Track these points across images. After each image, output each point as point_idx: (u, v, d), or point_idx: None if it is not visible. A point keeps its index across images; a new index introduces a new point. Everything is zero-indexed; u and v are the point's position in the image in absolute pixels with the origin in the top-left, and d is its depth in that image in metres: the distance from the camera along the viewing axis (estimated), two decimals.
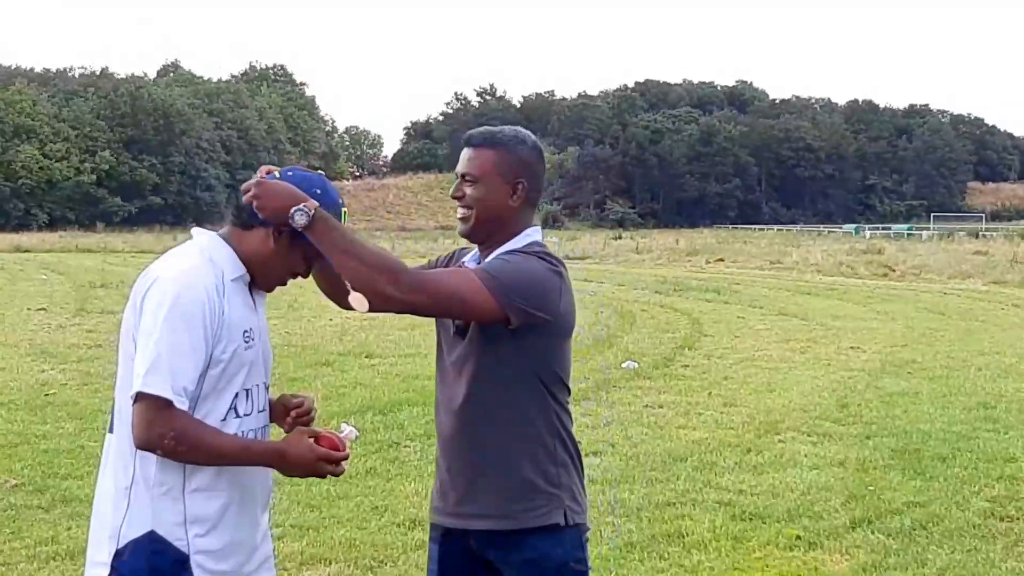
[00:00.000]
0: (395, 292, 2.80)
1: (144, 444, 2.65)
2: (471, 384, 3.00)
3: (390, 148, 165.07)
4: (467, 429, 3.03)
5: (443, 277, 2.94)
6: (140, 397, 2.62)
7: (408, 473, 7.90)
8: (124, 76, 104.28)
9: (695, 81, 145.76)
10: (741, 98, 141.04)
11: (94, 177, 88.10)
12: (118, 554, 2.70)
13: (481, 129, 3.16)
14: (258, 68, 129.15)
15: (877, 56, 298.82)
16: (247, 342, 2.80)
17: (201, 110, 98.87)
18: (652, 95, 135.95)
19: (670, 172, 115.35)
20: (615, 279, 30.88)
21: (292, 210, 2.73)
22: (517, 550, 3.00)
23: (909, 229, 79.83)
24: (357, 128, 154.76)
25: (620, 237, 65.18)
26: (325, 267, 2.91)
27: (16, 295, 24.29)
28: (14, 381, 11.98)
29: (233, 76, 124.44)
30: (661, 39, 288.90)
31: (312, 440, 2.81)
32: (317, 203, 2.76)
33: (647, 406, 10.66)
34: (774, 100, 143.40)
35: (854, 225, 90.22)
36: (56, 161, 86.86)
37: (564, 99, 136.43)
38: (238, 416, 2.79)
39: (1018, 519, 6.92)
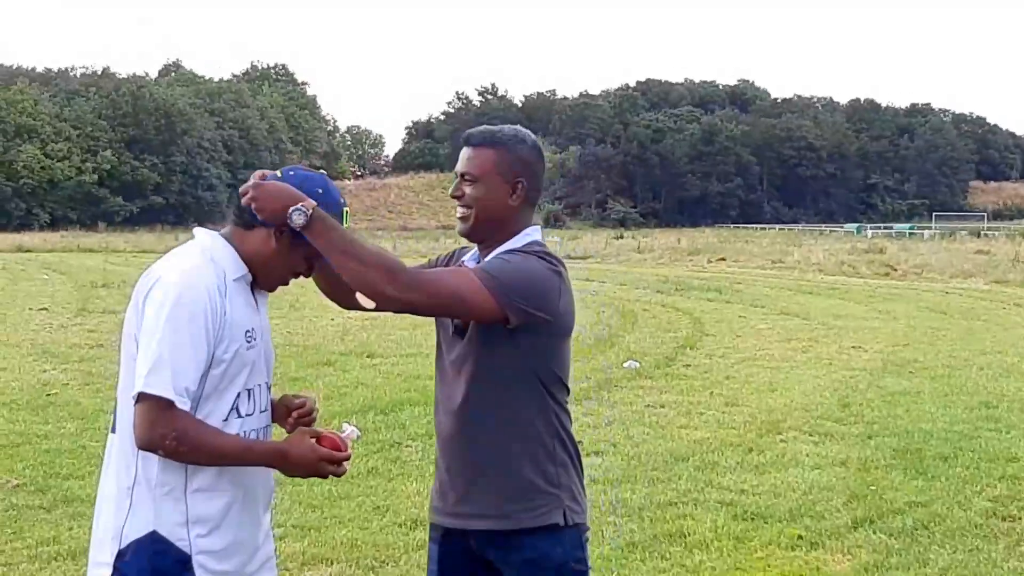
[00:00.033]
0: (393, 291, 2.80)
1: (146, 444, 2.65)
2: (470, 384, 3.00)
3: (392, 148, 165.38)
4: (466, 429, 3.03)
5: (442, 276, 2.94)
6: (142, 397, 2.62)
7: (410, 473, 7.89)
8: (126, 76, 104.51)
9: (697, 80, 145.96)
10: (743, 97, 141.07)
11: (96, 177, 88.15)
12: (120, 554, 2.70)
13: (480, 128, 3.15)
14: (260, 68, 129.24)
15: (879, 55, 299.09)
16: (249, 342, 2.80)
17: (203, 110, 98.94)
18: (654, 94, 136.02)
19: (672, 171, 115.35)
20: (617, 278, 30.88)
21: (290, 210, 2.73)
22: (516, 550, 2.99)
23: (911, 228, 79.79)
24: (359, 128, 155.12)
25: (622, 236, 65.21)
26: (324, 267, 2.91)
27: (18, 295, 24.30)
28: (16, 381, 11.98)
29: (235, 76, 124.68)
30: (663, 38, 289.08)
31: (314, 440, 2.81)
32: (315, 203, 2.76)
33: (649, 406, 10.66)
34: (776, 99, 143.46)
35: (856, 224, 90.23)
36: (58, 161, 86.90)
37: (566, 98, 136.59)
38: (240, 416, 2.79)
39: (1020, 519, 6.91)
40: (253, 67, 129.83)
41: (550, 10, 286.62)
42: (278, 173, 2.90)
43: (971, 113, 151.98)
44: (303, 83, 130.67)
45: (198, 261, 2.79)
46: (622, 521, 6.70)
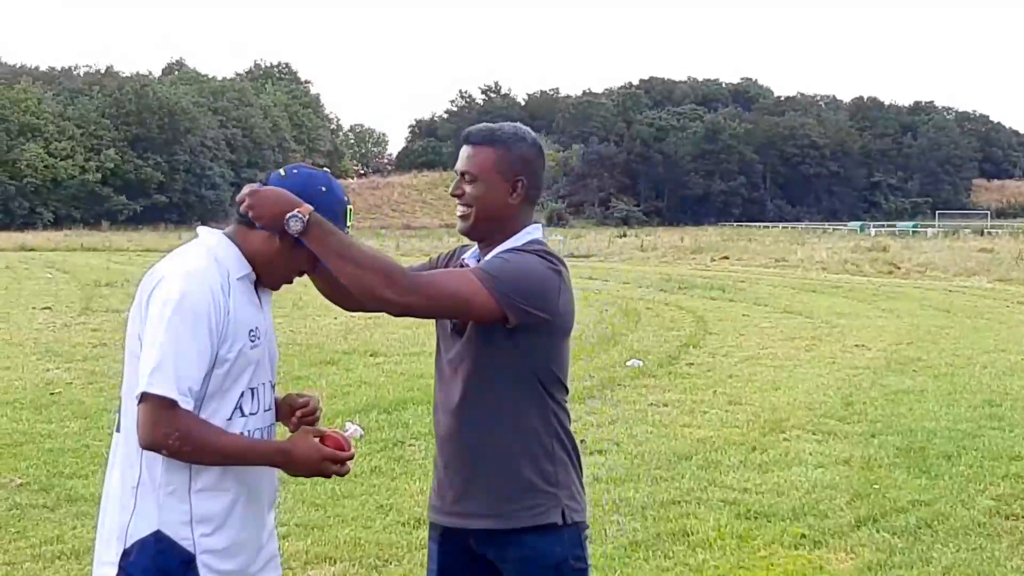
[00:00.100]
0: (392, 295, 2.80)
1: (149, 444, 2.65)
2: (467, 383, 3.00)
3: (395, 146, 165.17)
4: (464, 428, 3.02)
5: (441, 278, 2.94)
6: (145, 397, 2.62)
7: (413, 472, 7.89)
8: (129, 74, 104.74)
9: (700, 78, 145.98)
10: (746, 95, 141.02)
11: (99, 175, 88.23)
12: (125, 554, 2.70)
13: (480, 126, 3.14)
14: (263, 66, 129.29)
15: (882, 53, 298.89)
16: (253, 341, 2.80)
17: (206, 108, 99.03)
18: (657, 92, 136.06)
19: (675, 170, 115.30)
20: (620, 277, 30.87)
21: (287, 217, 2.73)
22: (515, 548, 2.99)
23: (914, 226, 79.70)
24: (362, 126, 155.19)
25: (625, 235, 65.23)
26: (322, 269, 2.91)
27: (21, 294, 24.32)
28: (19, 380, 11.99)
29: (238, 74, 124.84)
30: (666, 36, 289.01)
31: (318, 440, 2.82)
32: (312, 208, 2.76)
33: (652, 404, 10.66)
34: (779, 97, 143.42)
35: (859, 222, 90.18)
36: (61, 160, 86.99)
37: (569, 97, 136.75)
38: (244, 415, 2.79)
39: (1023, 517, 6.91)
40: (256, 66, 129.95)
41: (553, 8, 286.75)
42: (281, 172, 2.91)
43: (974, 111, 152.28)
44: (306, 82, 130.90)
45: (202, 260, 2.79)
46: (625, 520, 6.69)
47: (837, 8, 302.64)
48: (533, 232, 3.10)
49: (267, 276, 2.89)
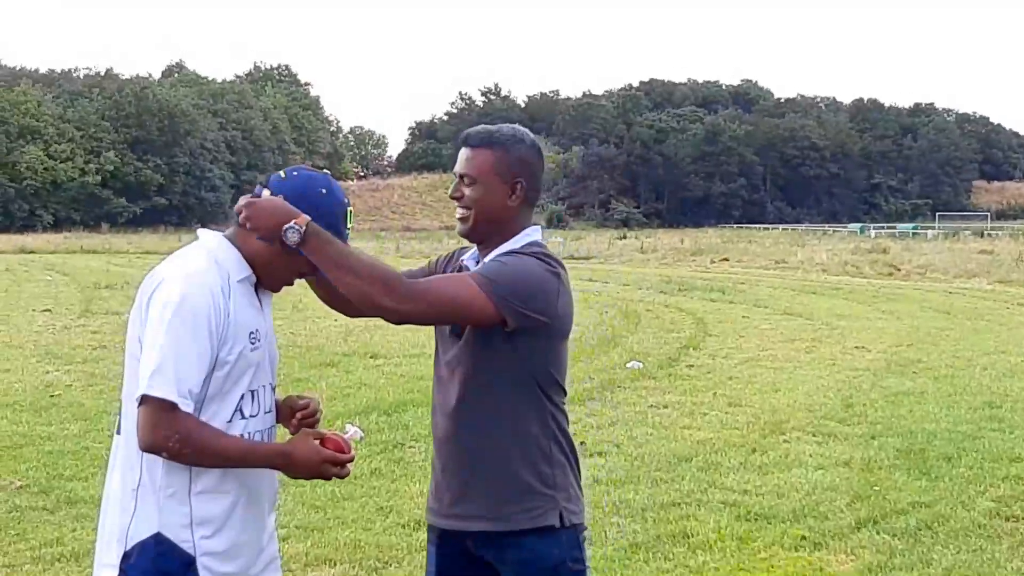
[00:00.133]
0: (391, 303, 2.81)
1: (149, 447, 2.65)
2: (465, 385, 3.00)
3: (395, 148, 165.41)
4: (462, 430, 3.03)
5: (438, 284, 2.94)
6: (145, 400, 2.62)
7: (413, 474, 7.89)
8: (129, 77, 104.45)
9: (700, 80, 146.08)
10: (746, 97, 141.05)
11: (99, 178, 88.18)
12: (126, 556, 2.70)
13: (478, 128, 3.14)
14: (263, 68, 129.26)
15: (882, 55, 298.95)
16: (253, 343, 2.80)
17: (206, 110, 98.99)
18: (657, 94, 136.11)
19: (675, 171, 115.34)
20: (620, 279, 30.88)
21: (284, 228, 2.74)
22: (513, 550, 2.99)
23: (914, 228, 79.70)
24: (362, 128, 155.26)
25: (625, 237, 65.20)
26: (322, 277, 2.91)
27: (21, 296, 24.32)
28: (19, 382, 11.99)
29: (237, 76, 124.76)
30: (666, 38, 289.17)
31: (318, 442, 2.82)
32: (308, 218, 2.76)
33: (652, 406, 10.65)
34: (779, 99, 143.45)
35: (859, 224, 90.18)
36: (61, 162, 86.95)
37: (569, 99, 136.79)
38: (244, 417, 2.79)
39: (1023, 519, 6.91)
40: (256, 68, 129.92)
41: (553, 10, 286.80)
42: (282, 174, 2.91)
43: (975, 113, 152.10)
44: (306, 84, 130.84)
45: (202, 263, 2.79)
46: (625, 522, 6.69)
47: (837, 10, 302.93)
48: (532, 234, 3.09)
49: (267, 278, 2.89)
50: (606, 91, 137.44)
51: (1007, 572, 5.98)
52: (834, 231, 79.16)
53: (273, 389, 2.95)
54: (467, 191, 3.06)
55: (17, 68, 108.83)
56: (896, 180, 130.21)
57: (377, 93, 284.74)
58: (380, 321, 2.93)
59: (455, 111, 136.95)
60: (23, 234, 70.19)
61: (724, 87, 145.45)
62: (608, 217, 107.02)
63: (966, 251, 42.37)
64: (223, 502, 2.75)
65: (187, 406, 2.64)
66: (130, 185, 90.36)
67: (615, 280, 30.28)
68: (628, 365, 13.24)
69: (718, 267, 38.97)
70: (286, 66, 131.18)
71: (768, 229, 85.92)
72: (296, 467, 2.79)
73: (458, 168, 3.09)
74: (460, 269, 3.17)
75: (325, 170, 3.03)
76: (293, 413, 3.01)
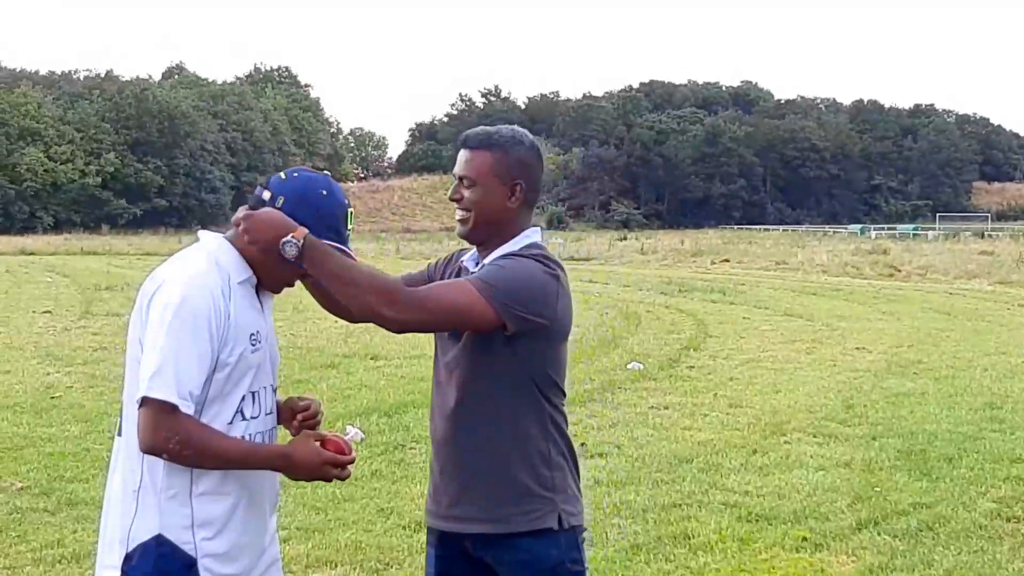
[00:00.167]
0: (392, 313, 2.82)
1: (149, 448, 2.65)
2: (464, 387, 3.00)
3: (395, 150, 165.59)
4: (459, 432, 3.03)
5: (438, 291, 2.94)
6: (145, 402, 2.62)
7: (414, 475, 7.88)
8: (129, 78, 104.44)
9: (700, 81, 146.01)
10: (746, 98, 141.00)
11: (99, 179, 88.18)
12: (128, 558, 2.70)
13: (477, 130, 3.14)
14: (263, 70, 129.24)
15: (882, 56, 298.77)
16: (254, 345, 2.80)
17: (206, 112, 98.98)
18: (657, 96, 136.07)
19: (675, 173, 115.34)
20: (620, 280, 30.86)
21: (281, 243, 2.75)
22: (511, 551, 2.99)
23: (914, 229, 79.72)
24: (362, 130, 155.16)
25: (625, 238, 65.20)
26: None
27: (21, 298, 24.32)
28: (20, 384, 11.99)
29: (238, 78, 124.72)
30: (666, 39, 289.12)
31: (318, 444, 2.82)
32: (306, 231, 2.77)
33: (652, 407, 10.65)
34: (779, 100, 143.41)
35: (859, 225, 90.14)
36: (61, 163, 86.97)
37: (569, 100, 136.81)
38: (245, 419, 2.79)
39: None
40: (256, 69, 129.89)
41: (553, 11, 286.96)
42: (282, 175, 2.91)
43: (975, 114, 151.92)
44: (306, 85, 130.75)
45: (202, 264, 2.79)
46: (626, 523, 6.68)
47: (837, 11, 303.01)
48: (532, 235, 3.10)
49: (268, 280, 2.89)
50: (606, 92, 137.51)
51: (1008, 573, 5.97)
52: (834, 232, 79.16)
53: (274, 391, 2.95)
54: (466, 193, 3.06)
55: (17, 70, 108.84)
56: (896, 181, 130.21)
57: (377, 95, 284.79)
58: None
59: (455, 112, 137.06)
60: (23, 236, 70.22)
61: (724, 88, 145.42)
62: (608, 218, 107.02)
63: (966, 252, 42.38)
64: (224, 504, 2.75)
65: (187, 408, 2.64)
66: (130, 187, 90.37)
67: (615, 281, 30.27)
68: (629, 366, 13.24)
69: (718, 268, 38.97)
70: (286, 68, 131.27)
71: (768, 230, 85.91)
72: (297, 469, 2.79)
73: (457, 170, 3.09)
74: (460, 270, 3.18)
75: (325, 171, 3.04)
76: (294, 415, 3.01)
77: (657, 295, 25.39)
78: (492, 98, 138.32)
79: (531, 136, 3.16)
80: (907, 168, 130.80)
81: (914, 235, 70.23)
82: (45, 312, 20.61)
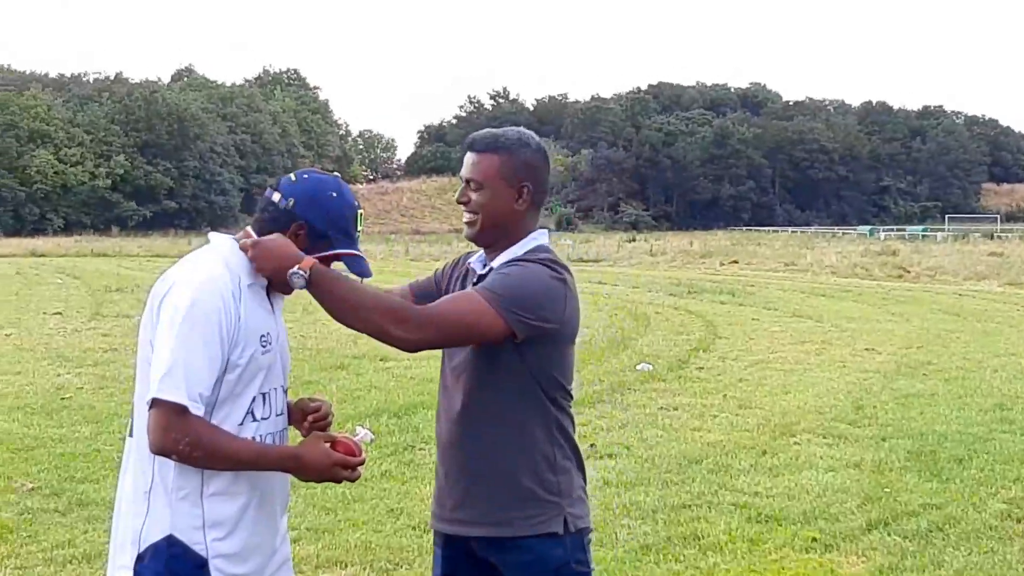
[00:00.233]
0: (403, 333, 2.83)
1: (159, 450, 2.66)
2: (469, 391, 3.01)
3: (404, 151, 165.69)
4: (464, 436, 3.03)
5: (446, 307, 2.93)
6: (156, 403, 2.63)
7: (423, 476, 7.88)
8: (138, 81, 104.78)
9: (708, 83, 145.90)
10: (754, 100, 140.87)
11: (109, 182, 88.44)
12: (139, 558, 2.71)
13: (484, 132, 3.14)
14: (272, 72, 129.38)
15: (891, 57, 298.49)
16: (264, 346, 2.80)
17: (215, 114, 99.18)
18: (665, 97, 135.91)
19: (683, 174, 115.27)
20: (629, 281, 30.85)
21: (288, 274, 2.76)
22: (516, 553, 3.00)
23: (924, 230, 79.60)
24: (371, 132, 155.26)
25: (634, 239, 65.11)
26: None
27: (32, 299, 24.37)
28: (30, 385, 12.03)
29: (247, 80, 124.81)
30: (674, 41, 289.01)
31: (329, 445, 2.82)
32: (313, 260, 2.78)
33: (662, 408, 10.65)
34: (787, 102, 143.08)
35: (868, 227, 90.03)
36: (71, 166, 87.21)
37: (577, 102, 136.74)
38: (255, 420, 2.80)
39: None
40: (265, 72, 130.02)
41: (561, 13, 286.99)
42: (292, 177, 2.91)
43: (983, 115, 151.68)
44: (315, 87, 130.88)
45: (213, 266, 2.80)
46: (636, 524, 6.69)
47: (845, 12, 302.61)
48: (539, 238, 3.10)
49: (279, 281, 2.89)
50: (614, 94, 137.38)
51: (1018, 574, 5.96)
52: (843, 233, 79.02)
53: (285, 392, 2.95)
54: (473, 196, 3.07)
55: (27, 72, 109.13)
56: (905, 183, 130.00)
57: (386, 97, 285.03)
58: None
59: (464, 114, 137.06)
60: (34, 237, 70.39)
61: (732, 90, 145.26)
62: (617, 220, 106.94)
63: (976, 253, 42.30)
64: (235, 504, 2.75)
65: (197, 409, 2.64)
66: (140, 189, 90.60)
67: (624, 283, 30.25)
68: (638, 367, 13.24)
69: (727, 269, 38.92)
70: (295, 70, 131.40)
71: (777, 231, 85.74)
72: (307, 470, 2.80)
73: (464, 173, 3.09)
74: (467, 272, 3.18)
75: (335, 173, 3.04)
76: (305, 416, 3.02)
77: (666, 296, 25.37)
78: (500, 100, 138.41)
79: (537, 138, 3.17)
80: (916, 169, 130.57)
81: (923, 236, 70.12)
82: (56, 314, 20.65)
